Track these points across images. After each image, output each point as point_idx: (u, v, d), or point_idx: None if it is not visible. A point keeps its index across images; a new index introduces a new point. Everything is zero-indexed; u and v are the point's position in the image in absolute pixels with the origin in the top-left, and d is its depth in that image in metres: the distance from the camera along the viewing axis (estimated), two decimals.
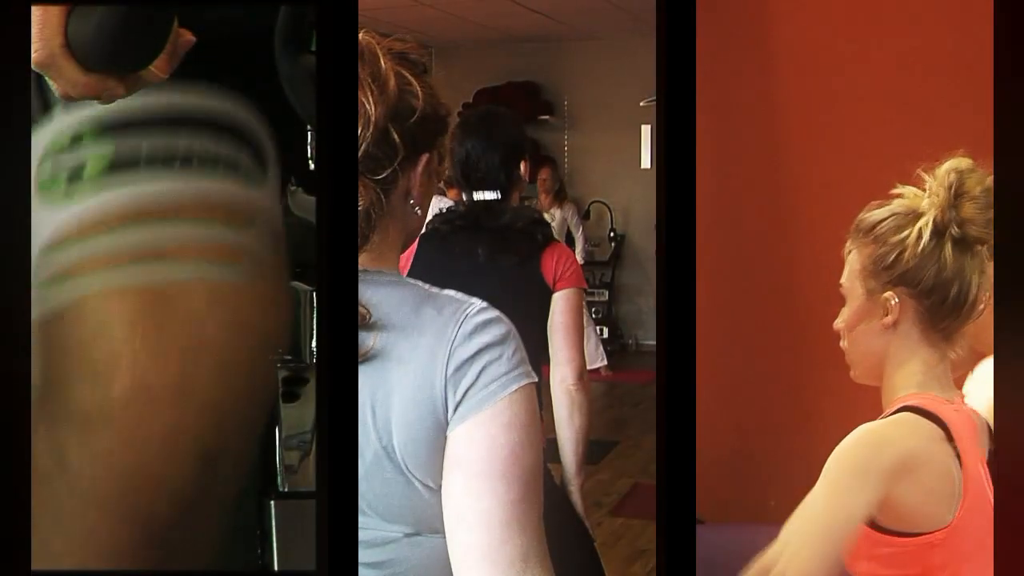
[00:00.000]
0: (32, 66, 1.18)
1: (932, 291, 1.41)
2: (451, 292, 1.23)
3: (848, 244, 1.48)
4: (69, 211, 1.34)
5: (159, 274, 1.34)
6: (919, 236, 1.40)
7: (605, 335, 8.48)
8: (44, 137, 1.35)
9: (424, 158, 1.27)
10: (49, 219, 1.34)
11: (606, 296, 8.98)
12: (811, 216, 2.32)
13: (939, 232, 1.40)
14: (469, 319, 1.18)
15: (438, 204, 5.61)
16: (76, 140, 1.34)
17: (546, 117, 9.37)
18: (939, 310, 1.42)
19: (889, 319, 1.43)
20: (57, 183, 1.34)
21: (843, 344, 1.50)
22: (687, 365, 1.33)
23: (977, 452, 1.39)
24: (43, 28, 1.16)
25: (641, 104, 7.33)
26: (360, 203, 1.20)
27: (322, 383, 1.19)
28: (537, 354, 2.38)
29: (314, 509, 1.16)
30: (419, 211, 1.29)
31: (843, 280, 1.49)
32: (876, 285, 1.44)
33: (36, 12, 1.16)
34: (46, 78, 1.20)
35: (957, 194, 1.39)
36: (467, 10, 7.99)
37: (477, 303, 1.21)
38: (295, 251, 1.39)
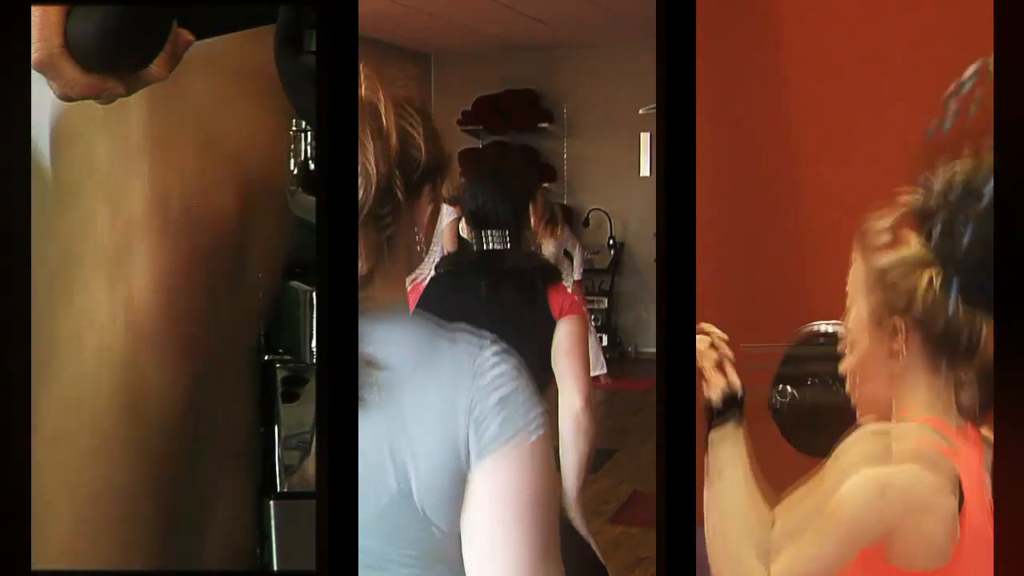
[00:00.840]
0: (31, 66, 1.18)
1: (944, 337, 1.39)
2: (462, 325, 1.23)
3: (853, 254, 1.46)
4: None
5: None
6: (929, 285, 1.38)
7: (605, 342, 8.48)
8: None
9: (428, 198, 1.27)
10: None
11: (605, 304, 8.99)
12: (814, 222, 2.31)
13: (948, 283, 1.38)
14: (483, 359, 1.19)
15: (440, 214, 5.63)
16: None
17: (545, 125, 9.39)
18: (945, 352, 1.40)
19: (896, 347, 1.41)
20: None
21: (848, 389, 1.46)
22: (687, 372, 1.33)
23: (982, 493, 1.38)
24: (42, 28, 1.15)
25: (640, 112, 7.35)
26: (365, 266, 1.20)
27: (322, 383, 1.19)
28: (542, 381, 2.43)
29: (314, 509, 1.16)
30: (422, 237, 1.29)
31: (849, 325, 1.45)
32: (885, 326, 1.41)
33: (35, 12, 1.16)
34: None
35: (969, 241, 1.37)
36: (466, 18, 8.00)
37: (489, 340, 1.21)
38: (295, 251, 1.39)
